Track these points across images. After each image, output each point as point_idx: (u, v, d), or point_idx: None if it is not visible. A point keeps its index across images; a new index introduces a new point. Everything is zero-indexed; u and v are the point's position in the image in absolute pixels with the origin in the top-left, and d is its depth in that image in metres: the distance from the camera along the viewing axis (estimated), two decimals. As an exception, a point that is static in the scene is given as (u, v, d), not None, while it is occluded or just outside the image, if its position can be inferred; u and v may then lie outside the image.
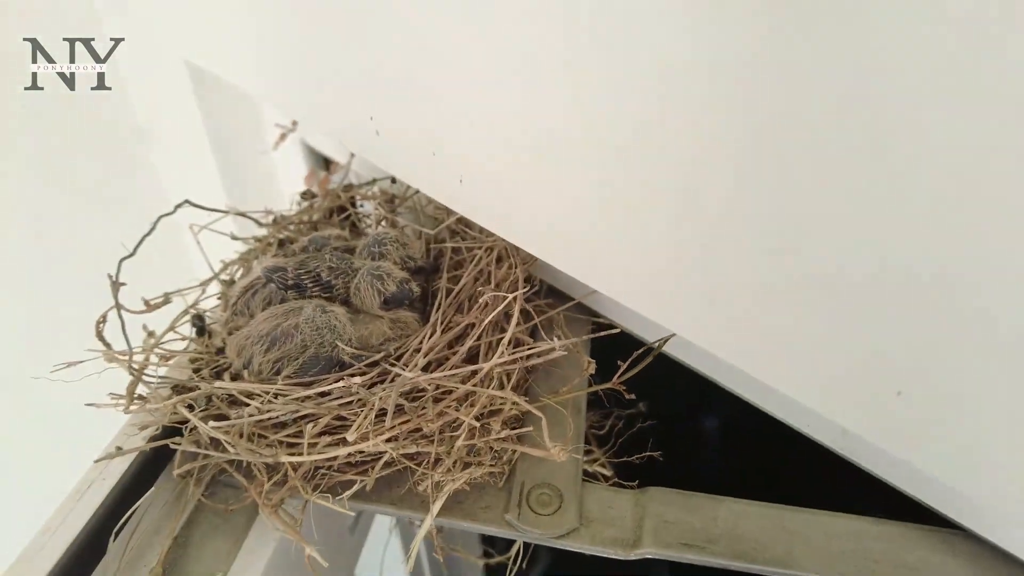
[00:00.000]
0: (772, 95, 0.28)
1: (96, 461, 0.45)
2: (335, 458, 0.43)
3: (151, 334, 0.53)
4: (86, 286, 0.56)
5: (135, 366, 0.48)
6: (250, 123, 0.85)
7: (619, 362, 0.48)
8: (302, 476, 0.44)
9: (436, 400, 0.45)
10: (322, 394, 0.45)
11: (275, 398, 0.44)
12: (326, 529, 0.48)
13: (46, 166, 0.89)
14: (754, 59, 0.28)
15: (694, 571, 0.44)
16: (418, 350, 0.48)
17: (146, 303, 0.53)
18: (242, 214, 0.61)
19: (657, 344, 0.51)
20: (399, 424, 0.43)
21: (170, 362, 0.53)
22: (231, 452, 0.43)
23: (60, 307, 0.80)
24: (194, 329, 0.56)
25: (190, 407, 0.46)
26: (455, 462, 0.44)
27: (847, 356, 0.32)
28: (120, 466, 0.46)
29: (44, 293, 0.91)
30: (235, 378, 0.49)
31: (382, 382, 0.46)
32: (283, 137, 0.73)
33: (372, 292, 0.50)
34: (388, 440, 0.42)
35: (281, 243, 0.61)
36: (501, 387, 0.47)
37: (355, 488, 0.44)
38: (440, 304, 0.52)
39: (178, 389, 0.48)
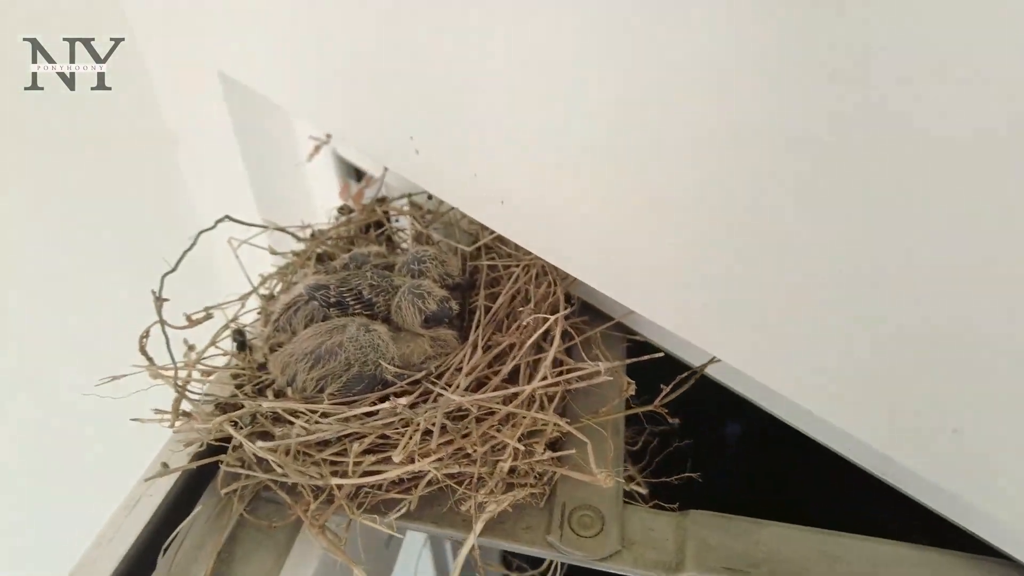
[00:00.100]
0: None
1: (146, 480, 0.45)
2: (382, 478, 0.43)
3: (191, 348, 0.54)
4: (127, 298, 0.57)
5: (179, 382, 0.48)
6: (282, 135, 0.85)
7: (662, 386, 0.48)
8: (347, 495, 0.44)
9: (479, 420, 0.46)
10: (368, 414, 0.45)
11: (322, 417, 0.45)
12: (366, 545, 0.49)
13: (70, 179, 0.90)
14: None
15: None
16: (459, 369, 0.49)
17: (188, 318, 0.54)
18: (282, 229, 0.62)
19: (699, 368, 0.51)
20: (443, 444, 0.44)
21: (211, 377, 0.53)
22: (278, 472, 0.43)
23: (98, 317, 0.81)
24: (235, 344, 0.56)
25: (235, 424, 0.46)
26: (498, 483, 0.44)
27: (906, 395, 0.32)
28: (166, 482, 0.47)
29: (83, 303, 0.92)
30: (278, 395, 0.50)
31: (424, 400, 0.47)
32: (317, 149, 0.74)
33: (414, 311, 0.51)
34: (434, 460, 0.43)
35: (320, 258, 0.61)
36: (542, 408, 0.47)
37: (401, 509, 0.44)
38: (480, 322, 0.52)
39: (222, 406, 0.49)
